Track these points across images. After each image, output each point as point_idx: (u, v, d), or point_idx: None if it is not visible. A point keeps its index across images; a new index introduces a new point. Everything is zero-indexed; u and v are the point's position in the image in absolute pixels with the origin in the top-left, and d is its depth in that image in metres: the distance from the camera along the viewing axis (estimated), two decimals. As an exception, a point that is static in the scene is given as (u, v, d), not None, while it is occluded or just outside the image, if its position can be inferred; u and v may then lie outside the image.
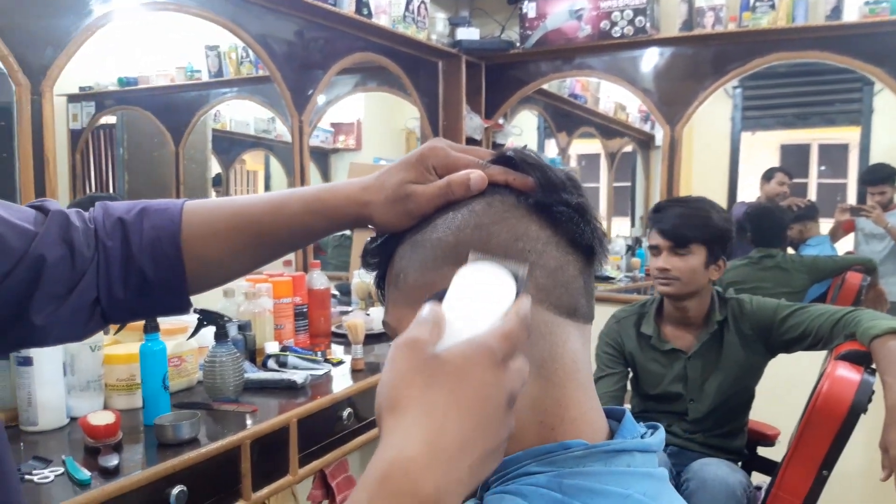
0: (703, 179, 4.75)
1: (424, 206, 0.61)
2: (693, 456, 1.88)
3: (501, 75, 3.33)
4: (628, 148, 5.31)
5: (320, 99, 3.41)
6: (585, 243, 0.60)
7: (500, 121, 3.41)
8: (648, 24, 2.94)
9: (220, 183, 3.93)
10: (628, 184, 5.34)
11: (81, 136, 4.06)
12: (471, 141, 3.20)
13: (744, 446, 2.01)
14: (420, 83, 3.02)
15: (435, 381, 0.44)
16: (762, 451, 2.07)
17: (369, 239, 0.67)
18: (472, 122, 3.19)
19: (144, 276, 0.68)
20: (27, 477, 1.23)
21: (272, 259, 0.74)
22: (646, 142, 5.10)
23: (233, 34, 2.11)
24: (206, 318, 1.72)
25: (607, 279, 4.06)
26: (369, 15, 2.55)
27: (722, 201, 4.05)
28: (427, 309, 0.48)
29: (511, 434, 0.57)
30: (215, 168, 3.99)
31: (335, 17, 2.40)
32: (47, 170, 1.57)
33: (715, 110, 4.60)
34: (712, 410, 1.90)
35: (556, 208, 0.58)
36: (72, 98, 4.04)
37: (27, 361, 1.47)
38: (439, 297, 0.51)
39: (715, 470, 1.70)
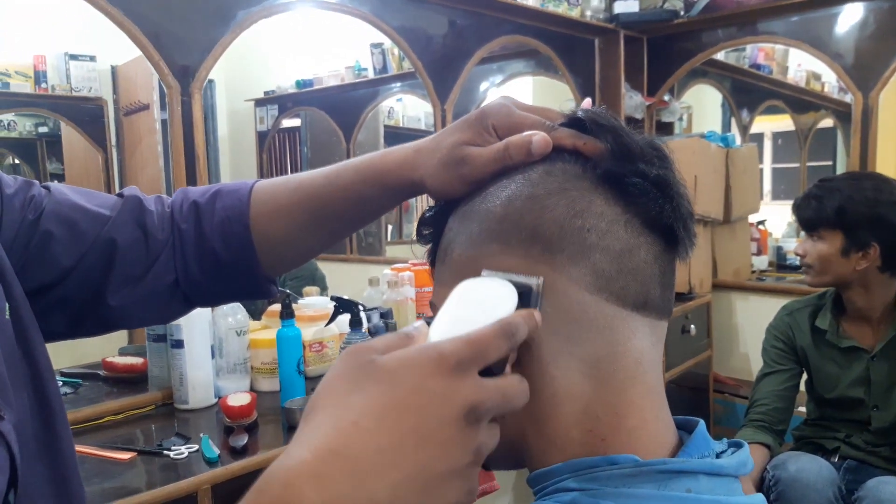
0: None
1: (479, 170, 0.54)
2: (876, 473, 1.63)
3: (665, 48, 3.10)
4: (827, 122, 4.76)
5: (481, 87, 3.40)
6: (664, 224, 0.49)
7: (666, 97, 3.19)
8: (835, -22, 2.58)
9: (392, 178, 4.07)
10: (829, 163, 4.80)
11: (267, 137, 4.39)
12: (631, 121, 3.01)
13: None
14: (575, 63, 2.89)
15: (361, 385, 0.37)
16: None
17: (427, 207, 0.61)
18: (632, 101, 3.00)
19: (217, 257, 0.68)
20: (165, 453, 1.32)
21: (336, 237, 0.71)
22: (846, 114, 4.49)
23: (374, 27, 2.13)
24: (342, 305, 1.76)
25: (798, 269, 3.65)
26: (515, -4, 2.48)
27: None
28: (413, 325, 0.42)
29: (552, 444, 0.49)
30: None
31: (479, 1, 2.35)
32: (198, 166, 1.68)
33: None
34: (901, 420, 1.63)
35: (629, 180, 0.48)
36: (258, 102, 4.38)
37: (179, 344, 1.59)
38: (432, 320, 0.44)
39: (894, 490, 1.45)
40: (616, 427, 0.48)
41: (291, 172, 4.31)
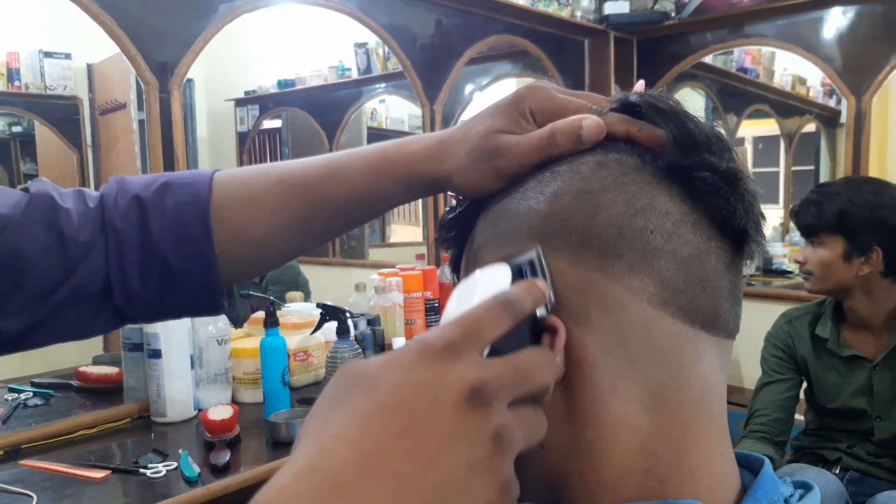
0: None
1: (518, 162, 0.46)
2: (879, 485, 1.59)
3: (655, 50, 3.07)
4: (810, 127, 4.77)
5: (467, 89, 3.35)
6: (737, 226, 0.42)
7: (655, 101, 3.15)
8: (828, -20, 2.56)
9: (376, 179, 4.01)
10: (811, 167, 4.81)
11: (248, 138, 4.31)
12: (621, 124, 2.97)
13: (948, 476, 1.66)
14: (564, 64, 2.85)
15: (343, 400, 0.32)
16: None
17: (448, 208, 0.53)
18: (622, 104, 2.96)
19: (167, 265, 0.57)
20: (141, 471, 1.24)
21: (329, 236, 0.61)
22: (831, 119, 4.54)
23: (362, 25, 2.07)
24: (328, 312, 1.69)
25: (784, 273, 3.65)
26: (505, -5, 2.43)
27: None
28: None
29: (603, 485, 0.41)
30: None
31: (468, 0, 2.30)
32: (177, 166, 1.61)
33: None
34: (905, 431, 1.59)
35: (698, 174, 0.41)
36: (238, 102, 4.30)
37: (157, 354, 1.51)
38: None
39: (905, 506, 1.41)
40: (677, 467, 0.41)
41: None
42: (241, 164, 4.13)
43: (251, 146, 4.27)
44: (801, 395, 1.80)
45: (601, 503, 0.41)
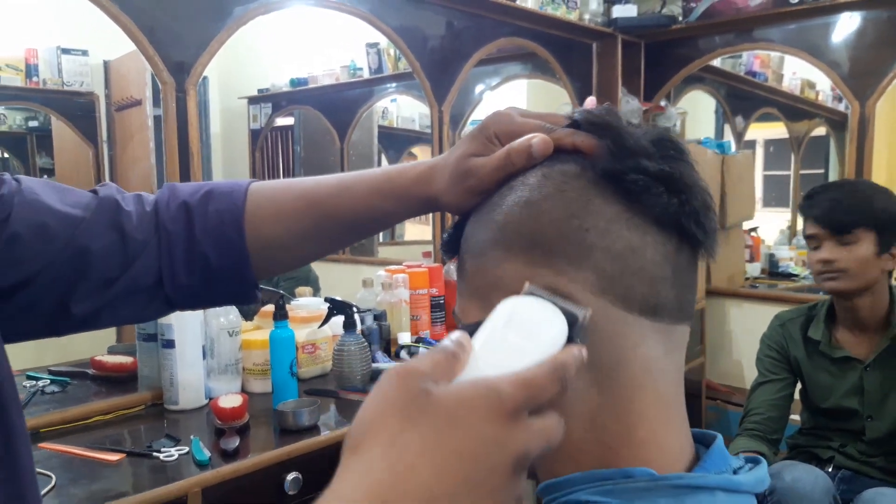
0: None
1: (485, 180, 0.53)
2: (870, 483, 1.62)
3: (662, 53, 3.10)
4: (820, 131, 4.78)
5: (477, 89, 3.38)
6: (671, 220, 0.47)
7: (662, 102, 3.18)
8: (834, -13, 2.59)
9: (386, 178, 4.05)
10: (821, 171, 4.82)
11: (260, 135, 4.36)
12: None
13: (939, 475, 1.69)
14: (572, 67, 2.88)
15: (417, 423, 0.36)
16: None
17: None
18: (629, 105, 2.99)
19: (208, 262, 0.66)
20: (154, 455, 1.30)
21: (340, 244, 0.71)
22: (840, 123, 4.53)
23: (373, 27, 2.11)
24: (336, 307, 1.74)
25: (790, 276, 3.67)
26: (514, -2, 2.47)
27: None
28: (451, 337, 0.40)
29: (562, 453, 0.47)
30: (384, 164, 4.12)
31: (478, 2, 2.34)
32: (192, 163, 1.66)
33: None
34: (896, 431, 1.62)
35: (630, 176, 0.47)
36: (252, 100, 4.35)
37: (171, 344, 1.57)
38: (474, 327, 0.43)
39: (891, 502, 1.44)
40: (625, 437, 0.47)
41: (284, 171, 4.29)
42: (252, 160, 4.18)
43: (263, 143, 4.32)
44: (797, 396, 1.83)
45: (564, 469, 0.47)
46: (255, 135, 4.30)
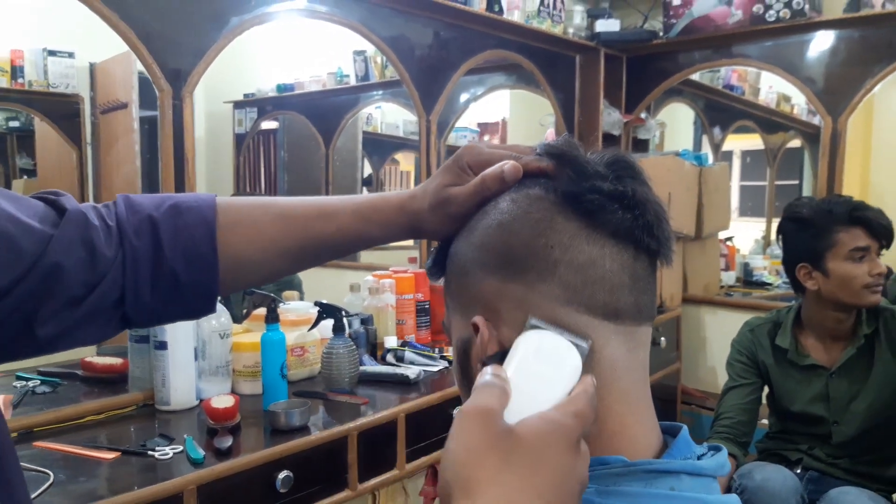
0: (884, 177, 4.29)
1: (463, 206, 0.60)
2: (837, 484, 1.69)
3: (644, 67, 3.18)
4: (795, 143, 4.90)
5: (461, 98, 3.44)
6: (626, 233, 0.53)
7: (643, 115, 3.26)
8: (807, 7, 2.68)
9: (370, 183, 4.09)
10: (796, 182, 4.93)
11: (245, 140, 4.38)
12: (609, 137, 3.08)
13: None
14: (556, 79, 2.95)
15: (511, 461, 0.43)
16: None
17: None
18: (610, 118, 3.07)
19: (176, 278, 0.64)
20: (149, 453, 1.33)
21: (319, 262, 0.72)
22: (814, 136, 4.62)
23: (363, 38, 2.16)
24: (326, 311, 1.78)
25: (764, 285, 3.76)
26: (500, 12, 2.53)
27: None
28: (490, 372, 0.47)
29: None
30: (367, 169, 4.16)
31: (465, 15, 2.40)
32: (187, 168, 1.70)
33: (896, 98, 4.12)
34: (861, 434, 1.70)
35: (587, 196, 0.53)
36: (237, 105, 4.37)
37: (163, 346, 1.60)
38: (498, 358, 0.50)
39: (853, 500, 1.52)
40: (599, 431, 0.53)
41: (267, 175, 4.31)
42: (237, 164, 4.20)
43: (248, 147, 4.34)
44: (764, 401, 1.90)
45: None
46: (239, 139, 4.31)
